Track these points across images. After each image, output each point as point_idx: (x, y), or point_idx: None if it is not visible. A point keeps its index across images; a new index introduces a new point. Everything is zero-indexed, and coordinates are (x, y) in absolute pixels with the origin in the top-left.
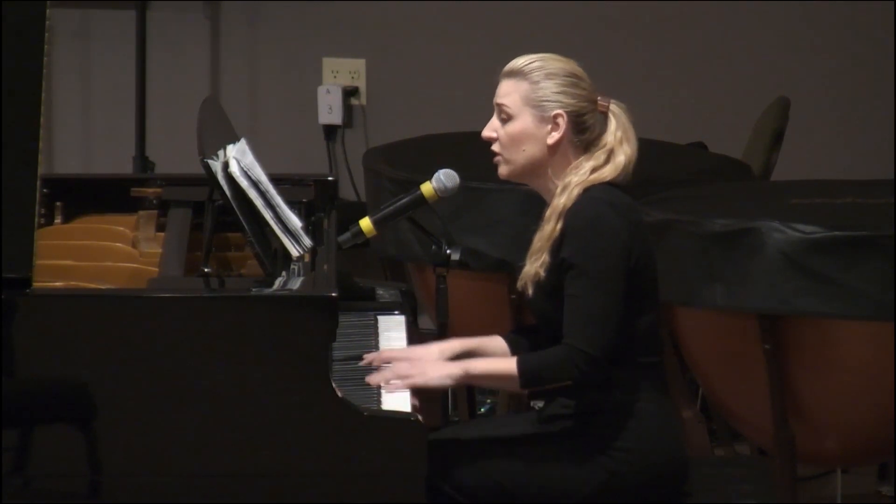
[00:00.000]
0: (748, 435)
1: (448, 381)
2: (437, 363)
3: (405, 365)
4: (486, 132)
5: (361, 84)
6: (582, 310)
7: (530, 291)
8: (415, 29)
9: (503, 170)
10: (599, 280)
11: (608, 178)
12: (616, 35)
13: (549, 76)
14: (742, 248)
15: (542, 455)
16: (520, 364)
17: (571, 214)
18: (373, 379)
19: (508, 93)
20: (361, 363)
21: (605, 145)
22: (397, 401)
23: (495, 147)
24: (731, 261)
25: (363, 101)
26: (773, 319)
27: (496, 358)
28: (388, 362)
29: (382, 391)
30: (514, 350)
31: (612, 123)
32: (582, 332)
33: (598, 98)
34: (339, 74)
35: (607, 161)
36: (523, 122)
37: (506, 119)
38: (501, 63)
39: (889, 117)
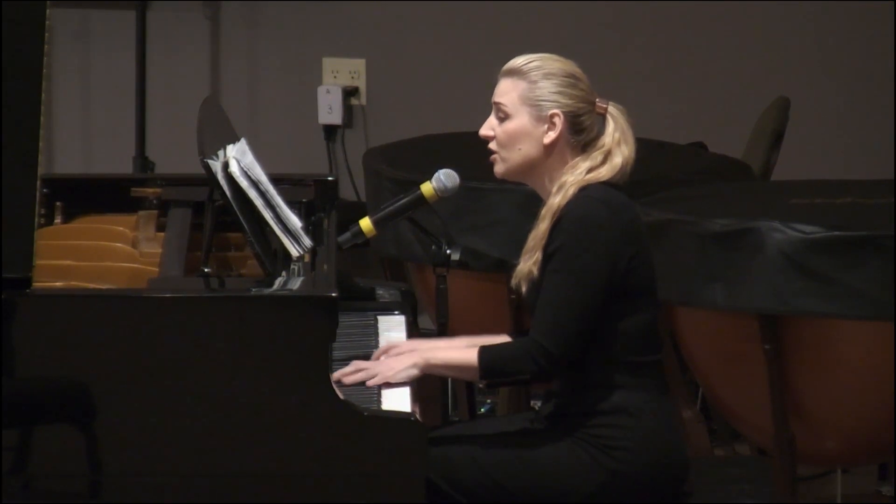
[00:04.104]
0: (748, 435)
1: (413, 372)
2: (399, 357)
3: (369, 365)
4: (484, 130)
5: (361, 84)
6: (551, 305)
7: (524, 289)
8: (415, 29)
9: (499, 168)
10: (575, 278)
11: (605, 179)
12: (616, 35)
13: (547, 76)
14: (742, 248)
15: (541, 455)
16: (480, 355)
17: (565, 211)
18: (340, 377)
19: (506, 91)
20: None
21: (602, 146)
22: (397, 401)
23: (492, 145)
24: (731, 261)
25: (363, 101)
26: (773, 319)
27: (459, 349)
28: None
29: (383, 391)
30: None
31: (611, 125)
32: (546, 327)
33: (597, 100)
34: (339, 74)
35: (604, 162)
36: (520, 120)
37: (503, 118)
38: (501, 63)
39: (889, 117)
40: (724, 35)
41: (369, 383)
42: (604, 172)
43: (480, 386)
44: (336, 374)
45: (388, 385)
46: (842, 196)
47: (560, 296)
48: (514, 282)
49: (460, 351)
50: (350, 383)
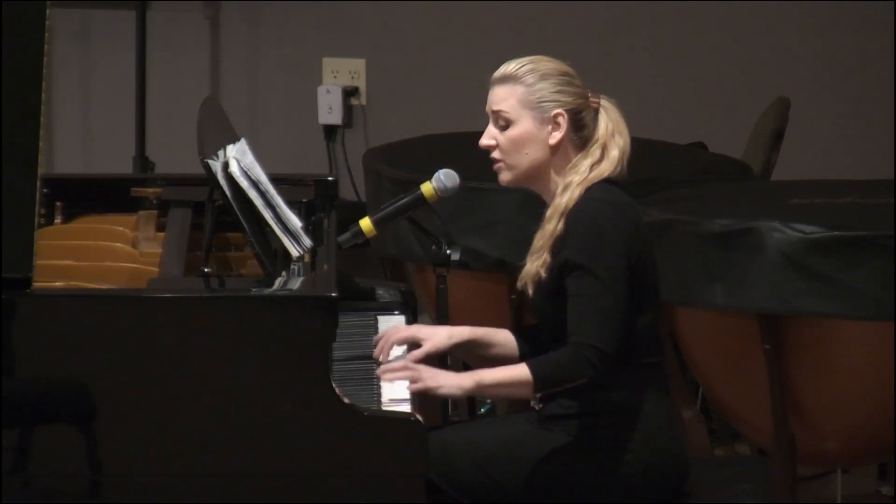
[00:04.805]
0: (748, 435)
1: (458, 392)
2: (449, 373)
3: (420, 368)
4: (485, 141)
5: (361, 84)
6: (591, 308)
7: (530, 291)
8: (415, 29)
9: (505, 176)
10: (605, 278)
11: (606, 174)
12: (616, 35)
13: (543, 77)
14: (742, 248)
15: (542, 455)
16: (532, 368)
17: (572, 215)
18: (384, 374)
19: (504, 98)
20: (375, 351)
21: (598, 140)
22: (397, 395)
23: (495, 154)
24: (731, 261)
25: (363, 101)
26: (773, 319)
27: (505, 367)
28: (398, 343)
29: (382, 384)
30: (522, 345)
31: (603, 118)
32: (593, 329)
33: (589, 94)
34: (339, 74)
35: (602, 156)
36: (524, 125)
37: (505, 125)
38: (501, 63)
39: (889, 117)
40: (724, 35)
41: (410, 387)
42: (604, 167)
43: (534, 401)
44: (382, 370)
45: (428, 391)
46: (842, 196)
47: (595, 297)
48: (520, 283)
49: (509, 369)
50: (391, 380)
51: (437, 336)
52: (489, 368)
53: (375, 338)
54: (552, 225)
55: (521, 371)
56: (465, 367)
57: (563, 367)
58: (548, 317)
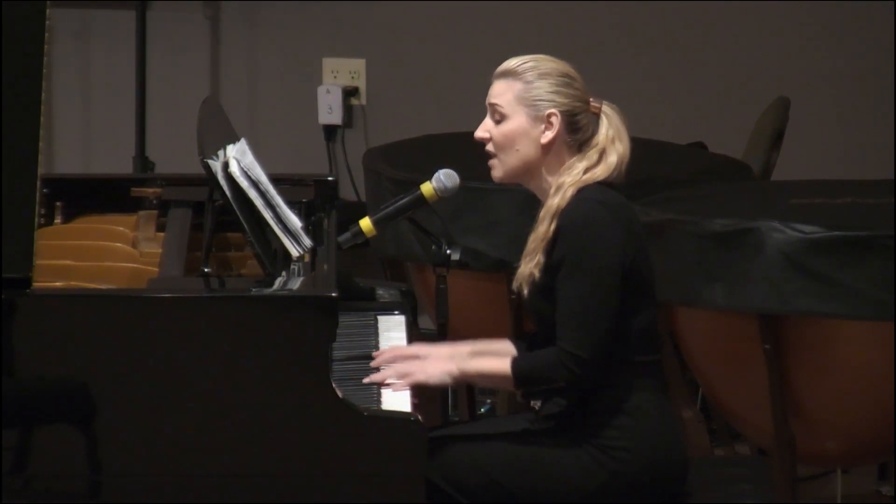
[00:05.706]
0: (748, 435)
1: (447, 379)
2: (436, 361)
3: (405, 363)
4: (479, 133)
5: (361, 84)
6: (572, 312)
7: (526, 292)
8: (415, 29)
9: (497, 172)
10: (592, 280)
11: (601, 178)
12: (616, 36)
13: (542, 76)
14: (742, 248)
15: (541, 455)
16: (514, 366)
17: (564, 215)
18: (373, 377)
19: (502, 93)
20: (372, 363)
21: (597, 145)
22: (397, 400)
23: (489, 148)
24: (731, 261)
25: (363, 101)
26: (773, 319)
27: (492, 358)
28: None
29: (382, 390)
30: (521, 350)
31: (604, 124)
32: (572, 334)
33: (591, 99)
34: (339, 74)
35: (599, 161)
36: (517, 121)
37: (499, 119)
38: (500, 63)
39: (889, 117)
40: (724, 35)
41: (405, 381)
42: (600, 171)
43: (518, 397)
44: (376, 376)
45: (418, 384)
46: (842, 196)
47: (579, 301)
48: (515, 285)
49: (493, 361)
50: (383, 378)
51: (437, 354)
52: (478, 358)
53: (375, 354)
54: (544, 226)
55: (504, 366)
56: None
57: (542, 368)
58: (544, 317)
